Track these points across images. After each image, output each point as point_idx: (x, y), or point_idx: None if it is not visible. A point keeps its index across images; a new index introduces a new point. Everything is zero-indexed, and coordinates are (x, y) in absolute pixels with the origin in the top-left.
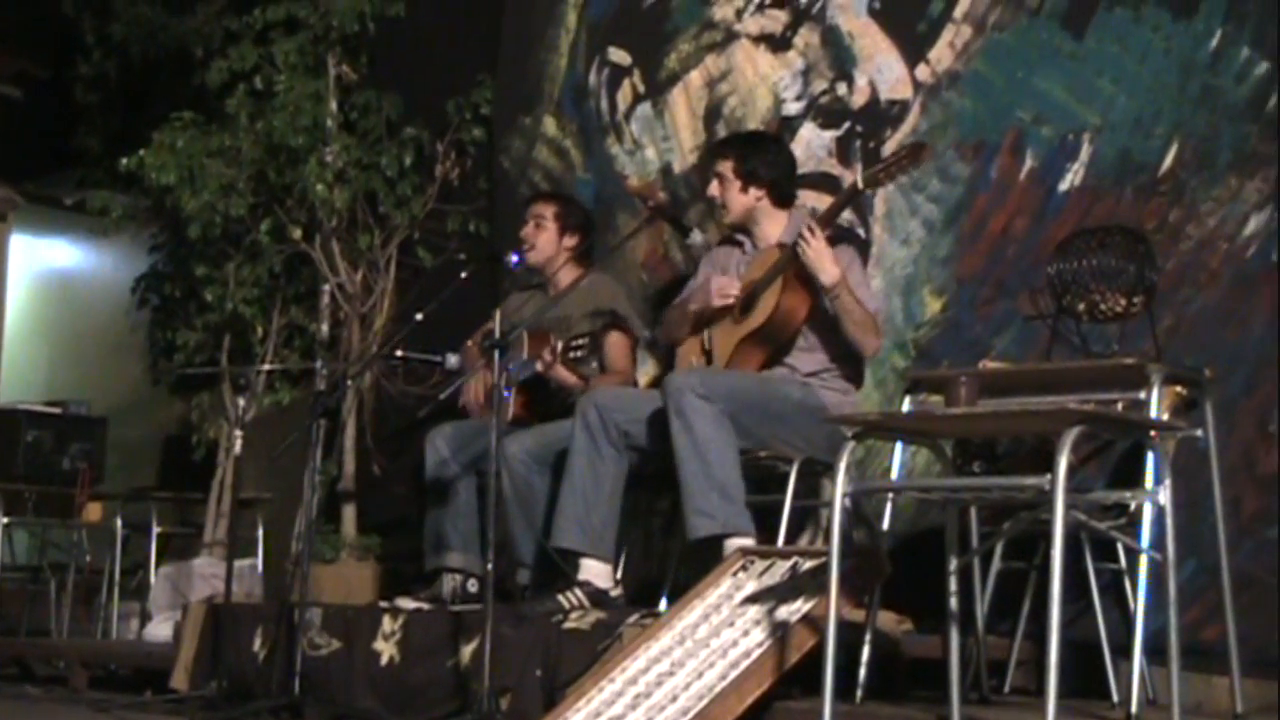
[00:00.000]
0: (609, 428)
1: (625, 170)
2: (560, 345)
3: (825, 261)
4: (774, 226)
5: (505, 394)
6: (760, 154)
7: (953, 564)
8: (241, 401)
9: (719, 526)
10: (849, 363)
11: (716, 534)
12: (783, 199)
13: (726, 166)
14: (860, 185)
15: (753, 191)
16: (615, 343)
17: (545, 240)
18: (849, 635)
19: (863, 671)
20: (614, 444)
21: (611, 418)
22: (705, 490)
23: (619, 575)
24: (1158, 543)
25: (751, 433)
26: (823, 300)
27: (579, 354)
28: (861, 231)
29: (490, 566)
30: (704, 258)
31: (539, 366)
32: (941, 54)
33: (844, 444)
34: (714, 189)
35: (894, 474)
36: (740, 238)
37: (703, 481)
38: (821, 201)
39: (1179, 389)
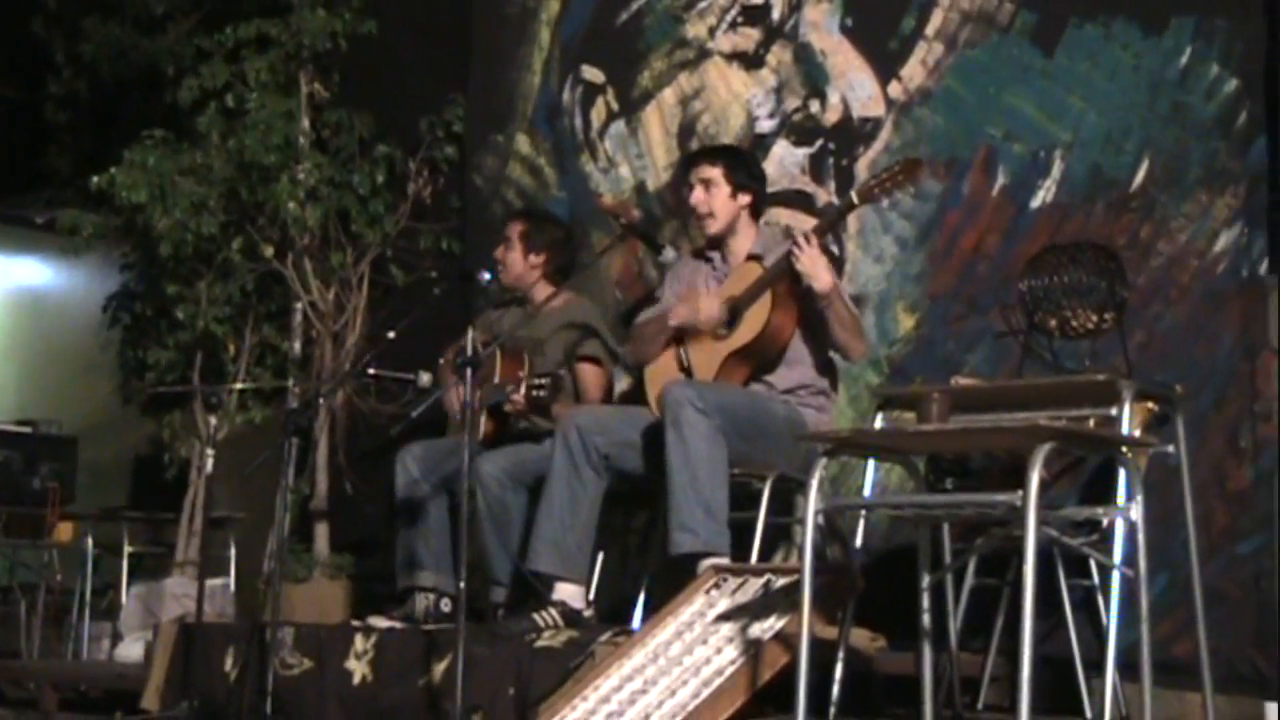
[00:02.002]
0: (590, 451)
1: (599, 188)
2: (525, 384)
3: (820, 269)
4: (745, 240)
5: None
6: (745, 163)
7: (925, 581)
8: (213, 420)
9: (701, 544)
10: (826, 375)
11: (697, 551)
12: (759, 210)
13: (715, 172)
14: (854, 200)
15: (741, 198)
16: (589, 374)
17: (513, 260)
18: (822, 653)
19: (836, 689)
20: (594, 467)
21: (592, 440)
22: (692, 506)
23: (592, 594)
24: (1129, 559)
25: (736, 448)
26: (807, 316)
27: (540, 394)
28: (835, 248)
29: (462, 585)
30: (670, 272)
31: (506, 406)
32: (913, 71)
33: (816, 460)
34: (699, 196)
35: (867, 491)
36: (709, 253)
37: (691, 496)
38: (795, 218)
39: (1150, 405)
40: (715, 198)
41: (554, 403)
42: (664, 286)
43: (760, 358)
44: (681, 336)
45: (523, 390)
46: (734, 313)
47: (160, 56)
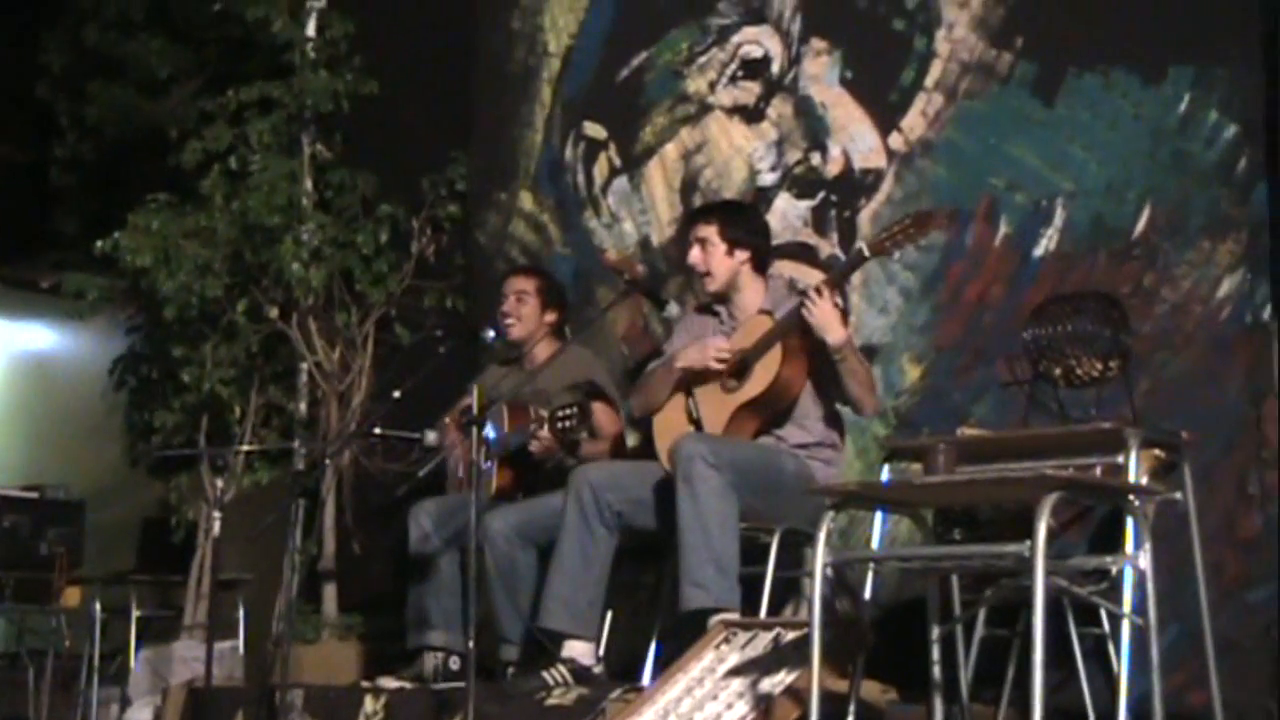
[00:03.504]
0: (602, 508)
1: (603, 244)
2: (549, 416)
3: (833, 322)
4: (754, 294)
5: (486, 466)
6: (742, 219)
7: (935, 632)
8: (220, 482)
9: (711, 600)
10: (834, 428)
11: (708, 607)
12: (763, 264)
13: (710, 231)
14: (865, 253)
15: (738, 255)
16: (601, 410)
17: (528, 314)
18: (833, 706)
19: None
20: (606, 524)
21: (605, 497)
22: (703, 562)
23: (602, 650)
24: (1140, 607)
25: (748, 502)
26: (817, 370)
27: (568, 424)
28: (839, 300)
29: (471, 645)
30: (678, 326)
31: (532, 445)
32: (914, 122)
33: (824, 514)
34: (695, 256)
35: (875, 543)
36: (717, 308)
37: (702, 553)
38: (799, 271)
39: (1157, 452)
40: (711, 256)
41: (582, 433)
42: (671, 339)
43: (770, 410)
44: (690, 388)
45: (546, 427)
46: (744, 365)
47: (164, 119)
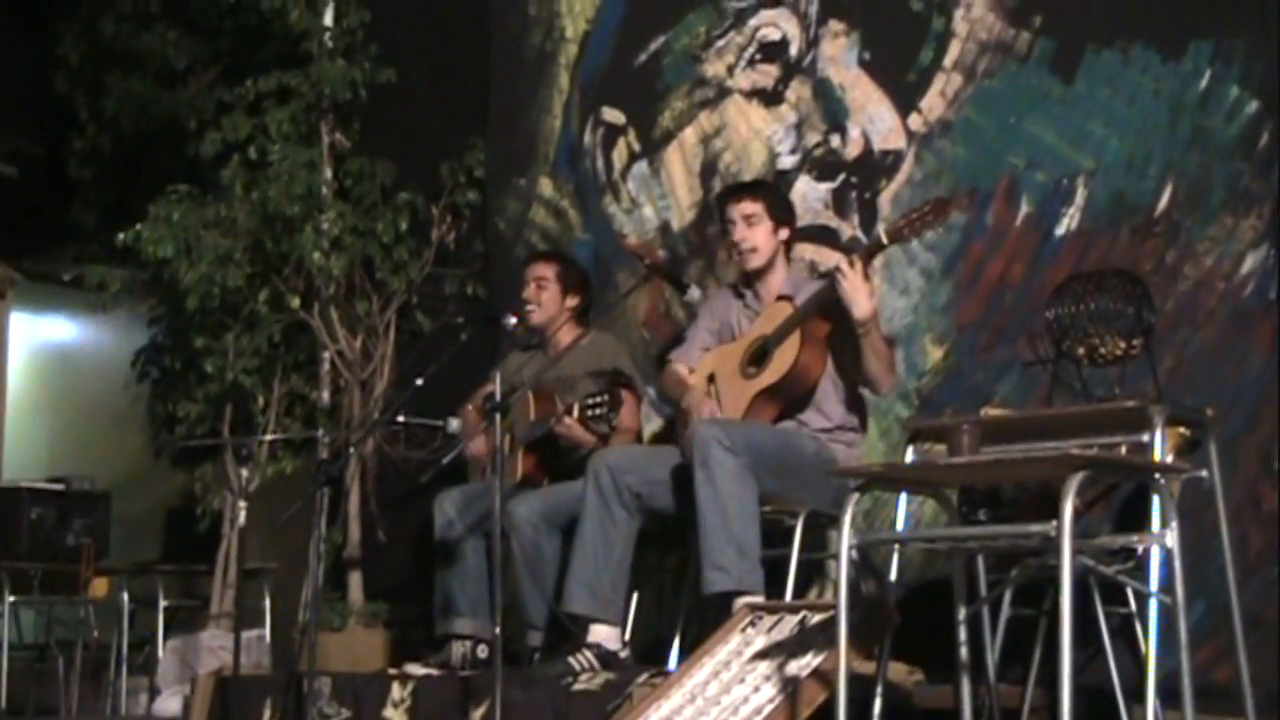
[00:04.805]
0: (621, 490)
1: (623, 229)
2: (577, 405)
3: (862, 295)
4: (779, 278)
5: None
6: (784, 198)
7: (961, 613)
8: (244, 472)
9: (733, 583)
10: (855, 412)
11: (730, 590)
12: (791, 246)
13: (758, 207)
14: (884, 240)
15: (781, 233)
16: (624, 402)
17: (549, 300)
18: (860, 688)
19: None
20: (626, 506)
21: (623, 479)
22: (723, 545)
23: (627, 635)
24: (1166, 585)
25: (766, 486)
26: (838, 354)
27: (597, 411)
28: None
29: (498, 631)
30: (704, 306)
31: (558, 426)
32: (933, 103)
33: (848, 496)
34: (742, 232)
35: (900, 524)
36: (743, 289)
37: (721, 536)
38: (820, 254)
39: (1182, 429)
40: (759, 233)
41: (614, 420)
42: (696, 321)
43: (789, 396)
44: (712, 375)
45: (575, 413)
46: (763, 351)
47: (182, 110)
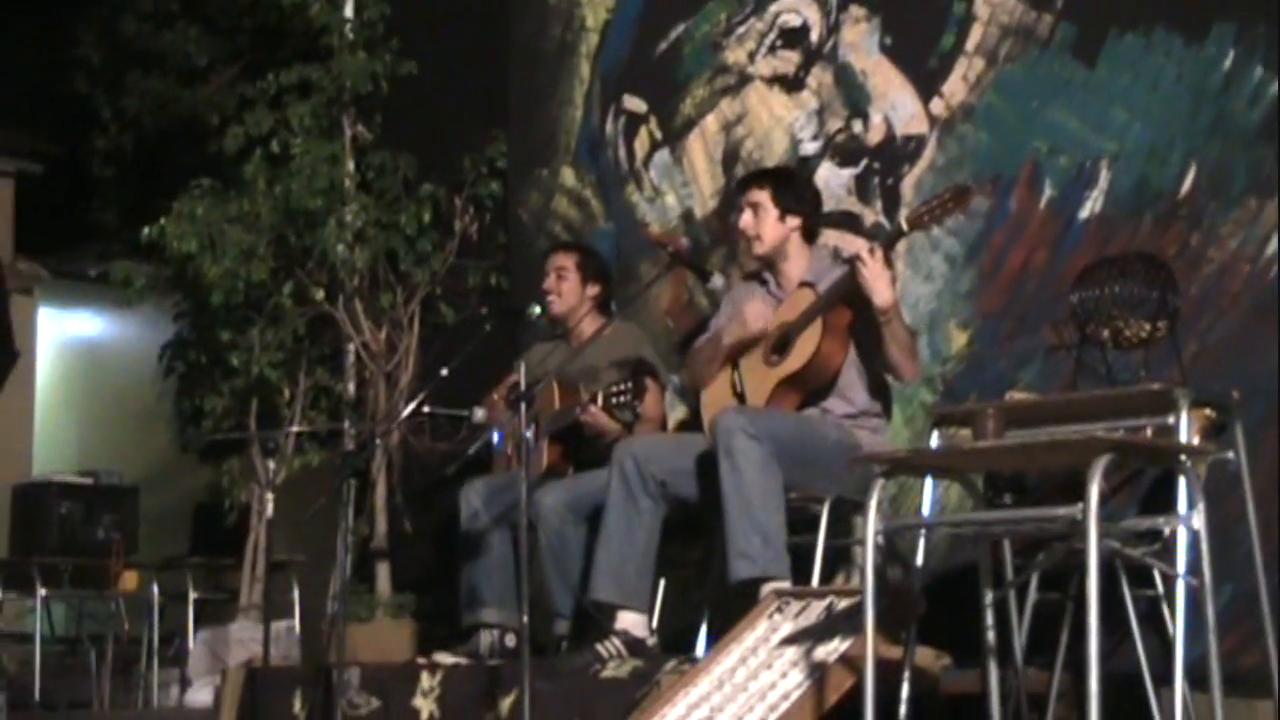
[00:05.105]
0: (646, 478)
1: (646, 218)
2: (602, 394)
3: (882, 283)
4: (799, 264)
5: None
6: (795, 186)
7: (988, 598)
8: (271, 465)
9: (759, 570)
10: (879, 399)
11: (755, 577)
12: (812, 233)
13: (763, 196)
14: (904, 228)
15: (789, 221)
16: (647, 388)
17: (569, 290)
18: (887, 673)
19: (903, 709)
20: (650, 494)
21: (648, 468)
22: (748, 533)
23: (654, 623)
24: (1193, 568)
25: (790, 473)
26: (861, 341)
27: (621, 399)
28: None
29: (525, 620)
30: (726, 296)
31: (582, 415)
32: (954, 88)
33: (874, 482)
34: (747, 220)
35: (925, 510)
36: (765, 276)
37: (746, 524)
38: (843, 240)
39: (1207, 412)
40: (763, 221)
41: (639, 407)
42: (719, 311)
43: (811, 384)
44: (736, 360)
45: (600, 401)
46: (786, 339)
47: (203, 107)
